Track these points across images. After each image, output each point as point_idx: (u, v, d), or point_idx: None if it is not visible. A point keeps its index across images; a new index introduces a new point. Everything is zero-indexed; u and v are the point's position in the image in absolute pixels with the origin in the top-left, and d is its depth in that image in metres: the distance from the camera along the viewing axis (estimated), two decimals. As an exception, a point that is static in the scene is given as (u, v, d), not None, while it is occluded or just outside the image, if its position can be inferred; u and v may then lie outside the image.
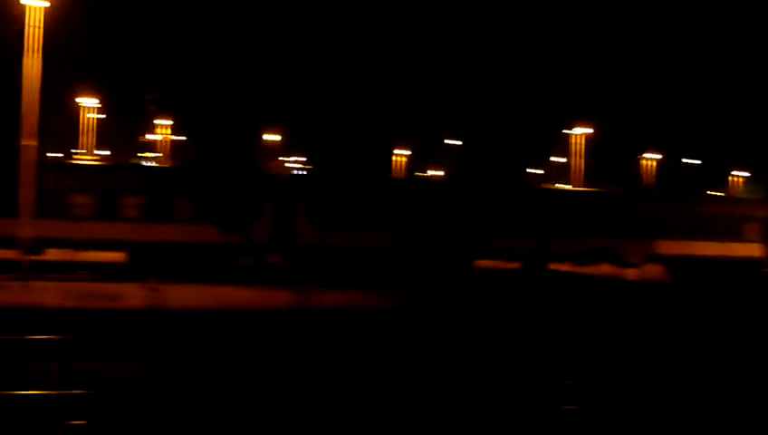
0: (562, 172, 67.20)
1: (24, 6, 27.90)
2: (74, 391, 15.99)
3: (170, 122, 75.82)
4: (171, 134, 77.50)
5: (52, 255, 34.00)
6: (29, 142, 28.13)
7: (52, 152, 65.16)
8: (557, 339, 23.43)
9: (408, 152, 77.93)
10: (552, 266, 39.36)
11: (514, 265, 38.96)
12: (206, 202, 34.72)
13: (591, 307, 28.73)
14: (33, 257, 33.14)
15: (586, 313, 27.57)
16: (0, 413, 14.78)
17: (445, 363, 20.24)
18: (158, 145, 76.49)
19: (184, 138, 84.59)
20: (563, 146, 62.76)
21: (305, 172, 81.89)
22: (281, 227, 35.38)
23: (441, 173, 78.12)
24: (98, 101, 58.23)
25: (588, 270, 39.36)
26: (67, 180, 33.08)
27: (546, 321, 25.89)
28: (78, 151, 65.78)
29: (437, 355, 21.06)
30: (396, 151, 77.01)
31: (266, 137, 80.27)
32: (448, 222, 37.30)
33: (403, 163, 77.82)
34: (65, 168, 37.88)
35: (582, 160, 58.43)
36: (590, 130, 58.55)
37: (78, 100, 57.54)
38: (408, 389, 17.49)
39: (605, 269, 39.64)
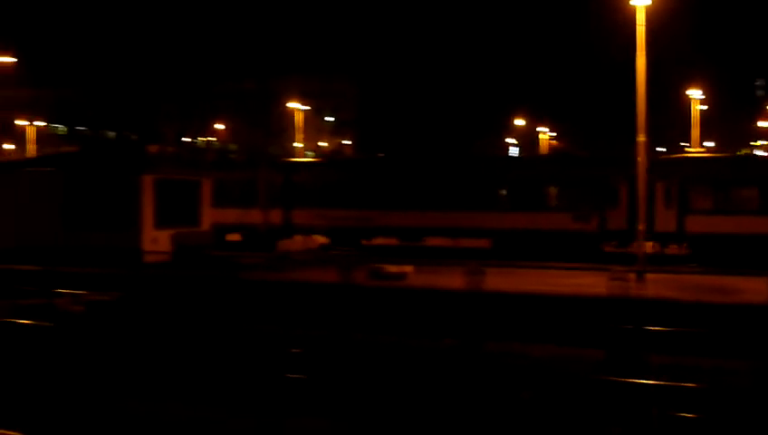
0: None
1: (633, 7, 28.81)
2: (686, 384, 16.06)
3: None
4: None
5: (432, 242, 39.12)
6: (640, 138, 28.97)
7: (659, 147, 66.29)
8: None
9: None
10: None
11: None
12: (562, 190, 35.84)
13: None
14: (410, 243, 38.42)
15: None
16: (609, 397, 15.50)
17: None
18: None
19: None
20: None
21: None
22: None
23: None
24: (701, 93, 57.81)
25: None
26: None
27: None
28: (685, 145, 66.09)
29: None
30: None
31: None
32: None
33: None
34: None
35: None
36: None
37: (687, 92, 57.71)
38: None
39: None
